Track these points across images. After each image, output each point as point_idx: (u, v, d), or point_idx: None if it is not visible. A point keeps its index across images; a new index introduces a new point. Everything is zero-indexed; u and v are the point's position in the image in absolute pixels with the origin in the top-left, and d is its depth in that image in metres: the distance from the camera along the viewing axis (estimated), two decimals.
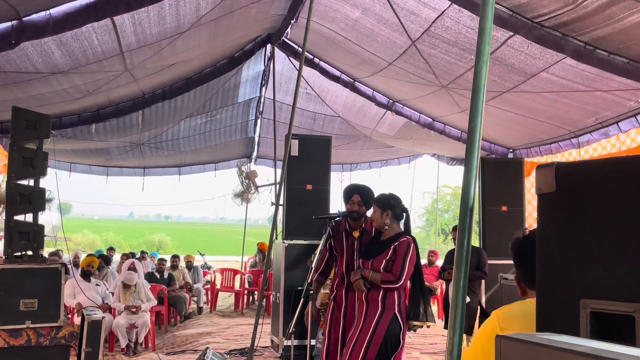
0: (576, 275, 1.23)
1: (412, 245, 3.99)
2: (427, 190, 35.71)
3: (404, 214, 4.15)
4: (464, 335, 6.50)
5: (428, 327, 4.16)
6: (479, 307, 6.75)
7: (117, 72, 6.84)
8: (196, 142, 11.50)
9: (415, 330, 4.19)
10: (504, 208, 7.94)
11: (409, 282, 4.13)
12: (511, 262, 1.94)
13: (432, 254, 10.70)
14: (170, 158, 12.25)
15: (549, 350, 0.90)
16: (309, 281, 4.28)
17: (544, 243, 1.32)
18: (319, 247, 4.33)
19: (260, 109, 11.07)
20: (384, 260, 3.97)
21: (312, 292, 4.25)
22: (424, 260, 10.80)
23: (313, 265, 4.38)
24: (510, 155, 8.97)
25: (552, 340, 0.94)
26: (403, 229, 4.14)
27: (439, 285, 9.88)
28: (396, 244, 3.98)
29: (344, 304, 4.24)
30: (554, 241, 1.30)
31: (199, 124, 10.69)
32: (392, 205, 4.10)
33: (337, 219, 4.36)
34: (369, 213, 4.33)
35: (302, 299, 4.24)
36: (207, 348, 5.93)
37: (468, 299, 6.32)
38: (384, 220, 4.09)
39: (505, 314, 1.83)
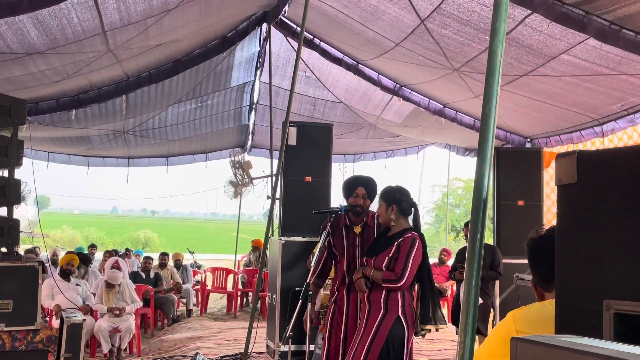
0: (599, 273, 1.23)
1: (417, 241, 4.00)
2: (437, 183, 35.67)
3: (412, 209, 4.17)
4: (477, 337, 6.56)
5: (437, 330, 4.19)
6: (492, 310, 6.97)
7: (98, 53, 6.82)
8: (185, 130, 11.46)
9: (424, 336, 4.21)
10: (521, 202, 7.91)
11: (417, 283, 4.16)
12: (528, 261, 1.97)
13: (445, 252, 10.73)
14: (157, 147, 12.19)
15: (570, 354, 0.89)
16: (308, 281, 4.31)
17: (563, 238, 1.32)
18: (318, 245, 4.37)
19: (255, 94, 11.06)
20: (387, 258, 3.98)
21: (310, 293, 4.28)
22: (435, 259, 10.83)
23: (311, 266, 4.42)
24: (528, 145, 8.97)
25: (573, 342, 0.94)
26: (412, 225, 4.15)
27: (450, 287, 9.93)
28: (400, 240, 3.99)
29: (346, 305, 4.27)
30: (575, 236, 1.31)
31: (188, 110, 10.64)
32: (398, 199, 4.12)
33: (338, 213, 4.38)
34: (372, 207, 4.38)
35: (300, 301, 4.24)
36: (196, 353, 5.98)
37: (480, 301, 6.45)
38: (389, 215, 4.11)
39: (522, 316, 1.83)
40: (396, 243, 3.99)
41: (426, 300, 4.10)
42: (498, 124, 8.98)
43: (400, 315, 3.96)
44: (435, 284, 9.92)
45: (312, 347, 5.52)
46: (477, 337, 6.53)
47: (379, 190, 4.35)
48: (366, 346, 3.91)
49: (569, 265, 1.30)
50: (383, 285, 3.95)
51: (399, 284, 3.91)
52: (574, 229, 1.31)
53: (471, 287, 1.86)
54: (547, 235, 1.88)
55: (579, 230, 1.30)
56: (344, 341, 4.27)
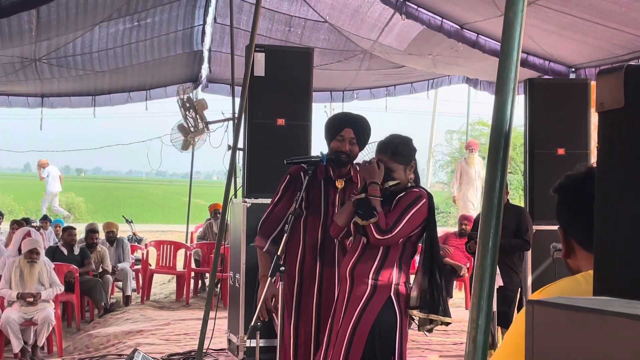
0: None
1: (423, 199, 4.01)
2: (454, 128, 34.95)
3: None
4: (498, 328, 6.75)
5: (446, 324, 4.14)
6: (519, 291, 7.04)
7: None
8: (118, 59, 11.32)
9: (430, 330, 4.15)
10: (561, 151, 7.72)
11: (418, 255, 4.24)
12: None
13: (466, 221, 10.41)
14: (80, 82, 12.08)
15: (601, 318, 0.91)
16: (278, 253, 4.23)
17: (605, 180, 1.35)
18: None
19: (211, 9, 10.91)
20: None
21: (283, 268, 4.20)
22: (454, 229, 10.87)
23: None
24: (572, 77, 8.90)
25: (605, 304, 0.96)
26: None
27: (466, 264, 9.89)
28: (401, 195, 4.03)
29: (317, 284, 4.31)
30: (620, 177, 1.33)
31: (121, 31, 10.49)
32: (413, 154, 4.14)
33: (318, 164, 4.39)
34: (360, 157, 4.39)
35: (269, 280, 4.17)
36: (135, 350, 6.05)
37: (499, 282, 6.36)
38: (408, 176, 4.12)
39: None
40: (395, 199, 4.02)
41: (427, 280, 4.03)
42: (534, 49, 9.14)
43: (393, 297, 3.96)
44: (450, 260, 9.79)
45: None
46: (500, 329, 6.79)
47: (375, 143, 4.29)
48: (346, 340, 3.91)
49: (612, 214, 1.32)
50: (362, 222, 3.91)
51: (385, 236, 3.87)
52: (619, 168, 1.32)
53: (487, 249, 1.86)
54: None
55: (625, 169, 1.32)
56: (317, 332, 4.31)
